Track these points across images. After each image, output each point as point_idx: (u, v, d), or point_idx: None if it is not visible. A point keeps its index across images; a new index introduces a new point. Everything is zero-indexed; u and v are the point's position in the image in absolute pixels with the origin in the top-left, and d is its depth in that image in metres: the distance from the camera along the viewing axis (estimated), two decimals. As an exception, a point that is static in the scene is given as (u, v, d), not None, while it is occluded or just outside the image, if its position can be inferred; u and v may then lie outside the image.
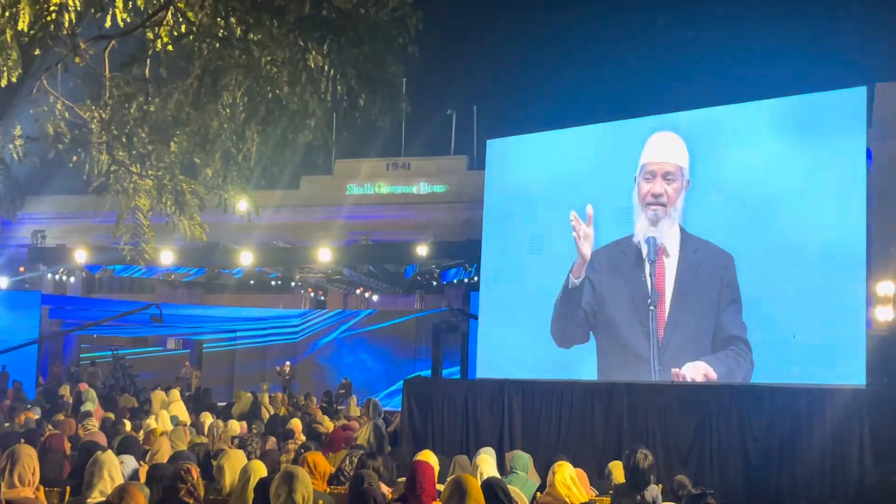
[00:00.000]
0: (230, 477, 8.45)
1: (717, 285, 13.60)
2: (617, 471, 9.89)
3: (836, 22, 59.93)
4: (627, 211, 14.57)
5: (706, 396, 12.33)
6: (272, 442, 12.39)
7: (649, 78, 56.33)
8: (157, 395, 20.33)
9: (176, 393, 19.55)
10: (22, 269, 35.29)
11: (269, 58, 9.10)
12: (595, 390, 13.33)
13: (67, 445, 11.15)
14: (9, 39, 8.90)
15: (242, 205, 11.41)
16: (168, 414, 16.48)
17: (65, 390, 22.61)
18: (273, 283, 37.79)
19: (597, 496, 9.31)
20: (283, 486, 6.01)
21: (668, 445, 12.29)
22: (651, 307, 14.00)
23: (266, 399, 20.18)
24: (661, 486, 10.39)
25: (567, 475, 8.75)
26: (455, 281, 33.34)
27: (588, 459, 11.39)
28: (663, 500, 8.85)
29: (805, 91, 13.83)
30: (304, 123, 9.53)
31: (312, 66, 9.06)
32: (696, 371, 13.45)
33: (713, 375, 13.30)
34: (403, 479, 8.41)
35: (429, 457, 9.28)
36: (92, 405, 17.85)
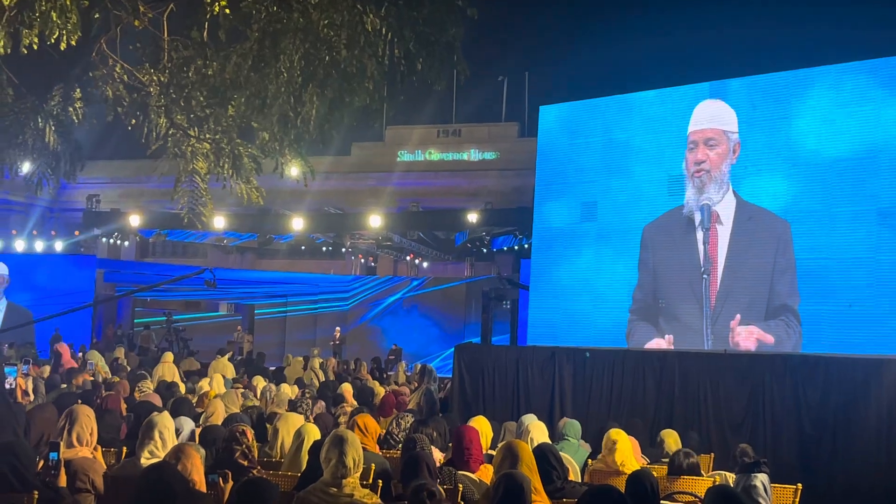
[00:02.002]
0: (285, 439, 8.52)
1: (772, 253, 13.47)
2: (669, 439, 9.85)
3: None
4: (680, 180, 14.48)
5: (760, 365, 12.21)
6: (322, 405, 12.47)
7: (706, 43, 55.38)
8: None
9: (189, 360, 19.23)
10: (77, 232, 35.72)
11: (326, 20, 9.06)
12: (647, 358, 13.26)
13: (123, 406, 11.30)
14: (68, 2, 8.94)
15: (294, 170, 11.40)
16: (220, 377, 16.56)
17: (119, 353, 22.94)
18: (324, 248, 37.99)
19: (648, 464, 9.26)
20: (334, 451, 5.98)
21: (721, 414, 12.21)
22: (704, 275, 13.90)
23: (316, 364, 20.30)
24: (713, 454, 10.39)
25: (620, 443, 8.74)
26: (505, 248, 33.24)
27: (639, 428, 11.33)
28: (718, 469, 8.82)
29: (863, 57, 13.63)
30: (361, 86, 9.50)
31: (370, 28, 9.01)
32: (749, 338, 13.35)
33: (768, 339, 13.22)
34: (454, 444, 8.44)
35: (482, 423, 9.28)
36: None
